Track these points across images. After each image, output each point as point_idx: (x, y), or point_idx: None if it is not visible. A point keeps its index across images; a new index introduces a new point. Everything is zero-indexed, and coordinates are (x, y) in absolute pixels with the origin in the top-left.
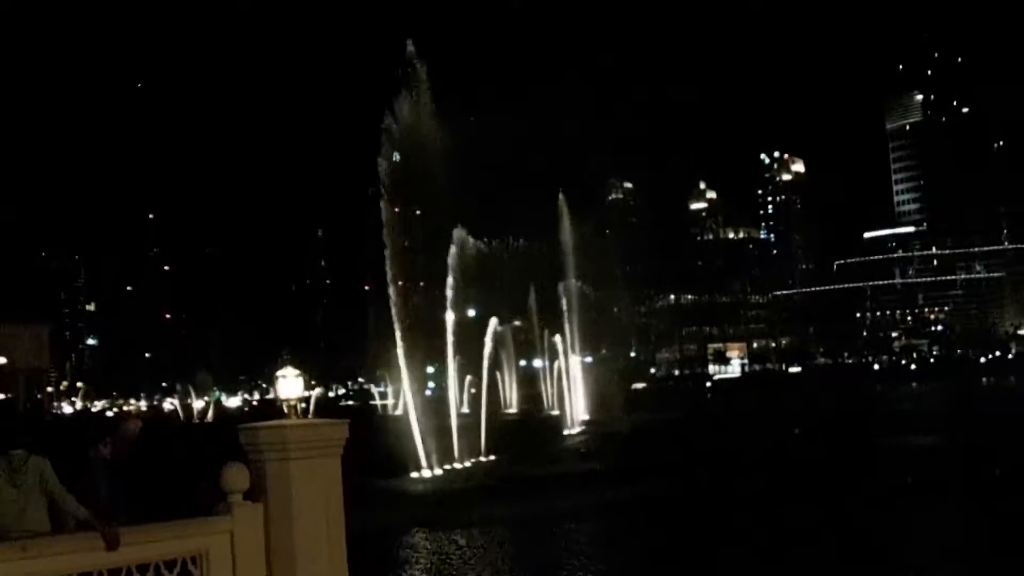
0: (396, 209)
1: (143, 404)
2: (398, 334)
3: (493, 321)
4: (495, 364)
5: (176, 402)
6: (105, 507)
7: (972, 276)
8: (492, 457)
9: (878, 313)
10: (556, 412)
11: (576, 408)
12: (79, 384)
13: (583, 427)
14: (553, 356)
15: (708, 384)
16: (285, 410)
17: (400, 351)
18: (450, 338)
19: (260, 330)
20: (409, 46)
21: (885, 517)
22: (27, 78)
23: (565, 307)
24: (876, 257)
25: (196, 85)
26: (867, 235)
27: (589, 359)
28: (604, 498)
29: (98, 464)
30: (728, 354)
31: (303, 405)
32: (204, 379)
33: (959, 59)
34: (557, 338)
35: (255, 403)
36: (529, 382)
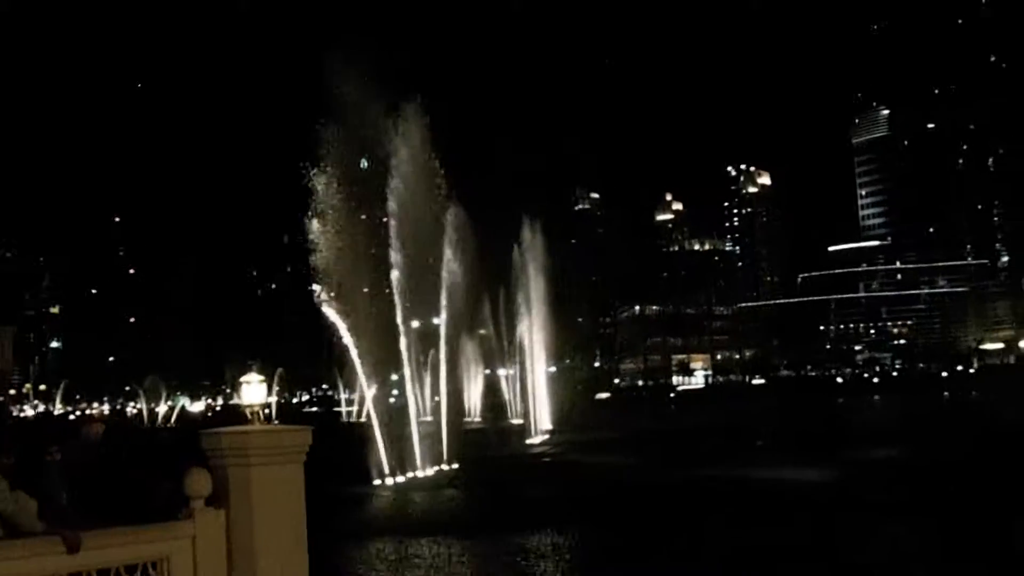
0: (363, 216)
1: (106, 407)
2: (349, 341)
3: (444, 326)
4: (459, 372)
5: (140, 406)
6: (64, 512)
7: (935, 291)
8: (454, 465)
9: (842, 326)
10: (520, 421)
11: (540, 417)
12: (42, 387)
13: (546, 436)
14: (516, 365)
15: (671, 395)
16: (248, 416)
17: (356, 359)
18: (404, 345)
19: (225, 335)
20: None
21: (846, 531)
22: None
23: (529, 316)
24: (840, 270)
25: (161, 88)
26: (832, 248)
27: (553, 369)
28: (565, 507)
29: (56, 469)
30: (692, 365)
31: (266, 411)
32: (154, 383)
33: (925, 75)
34: (521, 347)
35: (218, 408)
36: (493, 391)
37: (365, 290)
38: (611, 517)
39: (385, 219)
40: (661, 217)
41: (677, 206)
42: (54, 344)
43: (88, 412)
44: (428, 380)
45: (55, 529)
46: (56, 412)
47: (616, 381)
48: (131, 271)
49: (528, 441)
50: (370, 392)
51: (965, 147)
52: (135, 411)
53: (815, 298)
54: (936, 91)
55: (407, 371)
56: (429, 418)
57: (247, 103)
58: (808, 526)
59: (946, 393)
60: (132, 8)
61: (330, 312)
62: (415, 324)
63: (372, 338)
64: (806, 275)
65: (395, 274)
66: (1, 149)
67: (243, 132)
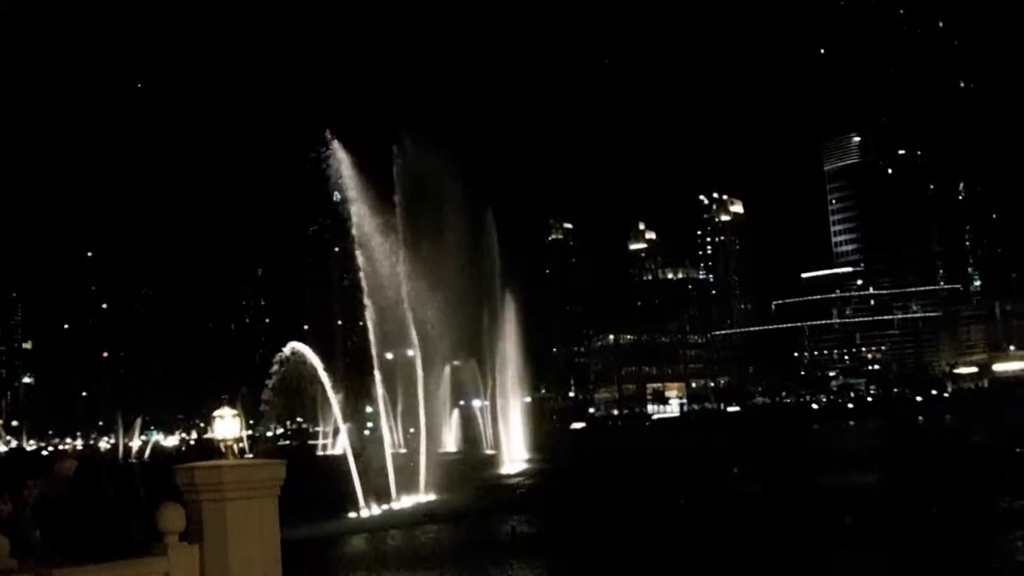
0: (336, 248)
1: (79, 443)
2: (324, 376)
3: (418, 358)
4: (433, 404)
5: (113, 441)
6: (37, 549)
7: (908, 316)
8: (430, 496)
9: (816, 352)
10: (494, 452)
11: (514, 448)
12: (14, 423)
13: (522, 466)
14: (491, 396)
15: (647, 423)
16: (222, 450)
17: (330, 392)
18: (378, 377)
19: (198, 369)
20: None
21: (824, 557)
22: None
23: (503, 347)
24: (814, 297)
25: (133, 123)
26: (805, 275)
27: (528, 399)
28: (540, 538)
29: (25, 508)
30: (667, 394)
31: (240, 445)
32: (127, 418)
33: (895, 101)
34: (495, 378)
35: (192, 442)
36: (468, 422)
37: (339, 322)
38: (588, 548)
39: (358, 251)
40: (634, 246)
41: (650, 235)
42: (26, 379)
43: (61, 448)
44: (402, 412)
45: (28, 565)
46: (29, 448)
47: (591, 410)
48: (103, 306)
49: (503, 471)
50: (345, 425)
51: (936, 172)
52: (108, 446)
53: (789, 325)
54: (906, 117)
55: (381, 404)
56: (403, 450)
57: (220, 138)
58: (790, 550)
59: (921, 417)
60: (99, 52)
61: (301, 346)
62: (388, 356)
63: (346, 371)
64: (779, 302)
65: (368, 310)
66: None
67: (215, 168)
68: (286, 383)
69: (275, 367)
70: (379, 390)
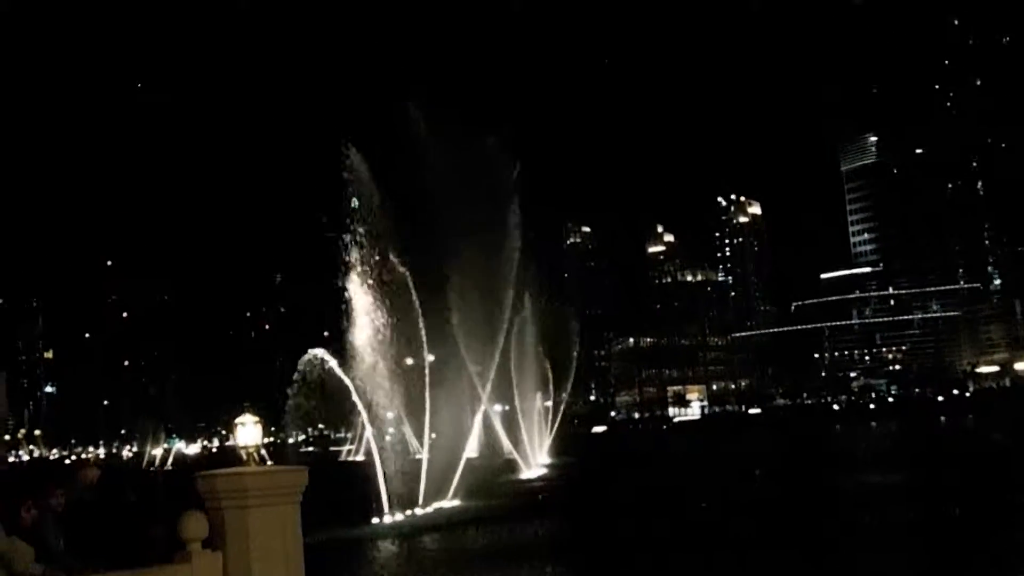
0: (352, 255)
1: (101, 451)
2: (350, 382)
3: (427, 363)
4: (453, 409)
5: (135, 449)
6: (60, 557)
7: (928, 315)
8: (452, 502)
9: (836, 353)
10: (516, 456)
11: (536, 452)
12: (36, 432)
13: (543, 470)
14: (511, 400)
15: (664, 427)
16: (244, 457)
17: (357, 397)
18: (398, 383)
19: (219, 377)
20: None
21: (847, 558)
22: None
23: (523, 351)
24: (833, 298)
25: (154, 133)
26: (824, 276)
27: (548, 403)
28: (561, 542)
29: (49, 516)
30: (688, 396)
31: (262, 452)
32: (149, 426)
33: (911, 101)
34: (516, 382)
35: (214, 450)
36: (489, 426)
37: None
38: (610, 552)
39: (377, 257)
40: (653, 249)
41: (668, 238)
42: (48, 389)
43: (83, 456)
44: (421, 418)
45: (51, 573)
46: (51, 457)
47: (612, 414)
48: (124, 315)
49: (524, 476)
50: (369, 430)
51: (954, 171)
52: (130, 454)
53: (809, 326)
54: (922, 116)
55: (402, 409)
56: (425, 455)
57: (239, 146)
58: (812, 552)
59: (942, 417)
60: (121, 62)
61: (320, 352)
62: (409, 361)
63: (368, 376)
64: (799, 303)
65: (386, 315)
66: None
67: (233, 177)
68: (309, 390)
69: (298, 373)
70: (399, 396)
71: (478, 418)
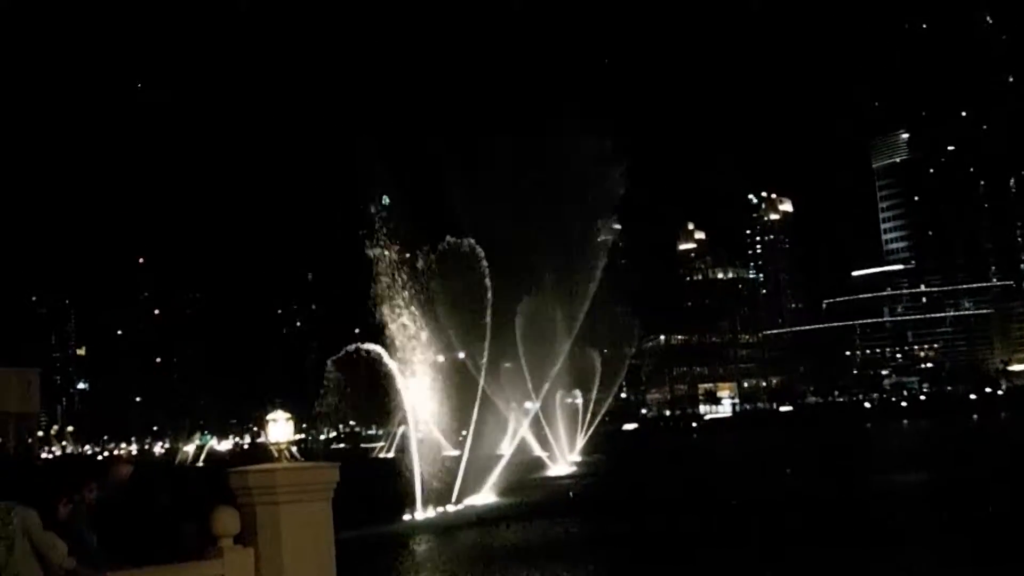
0: (385, 251)
1: (133, 448)
2: (399, 379)
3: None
4: (484, 406)
5: (167, 446)
6: (92, 553)
7: (960, 313)
8: (484, 499)
9: (867, 351)
10: (546, 453)
11: (566, 449)
12: (69, 428)
13: (572, 468)
14: (542, 398)
15: (694, 424)
16: (275, 453)
17: (404, 392)
18: (429, 380)
19: (251, 374)
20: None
21: (881, 556)
22: (15, 122)
23: (554, 349)
24: (865, 295)
25: (185, 128)
26: (856, 273)
27: (579, 400)
28: (592, 540)
29: (82, 511)
30: (719, 394)
31: (293, 448)
32: (181, 423)
33: (942, 97)
34: (546, 380)
35: (245, 447)
36: (520, 424)
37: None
38: (640, 549)
39: (408, 255)
40: (683, 246)
41: (699, 235)
42: (80, 386)
43: (116, 453)
44: (452, 415)
45: (83, 570)
46: (84, 453)
47: (643, 411)
48: (156, 312)
49: (555, 473)
50: (407, 427)
51: (985, 168)
52: (162, 451)
53: (840, 324)
54: (954, 112)
55: (434, 406)
56: (456, 452)
57: (272, 142)
58: (842, 550)
59: (975, 415)
60: (147, 57)
61: (369, 345)
62: (439, 359)
63: (402, 373)
64: (830, 301)
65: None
66: (26, 193)
67: (267, 171)
68: (342, 386)
69: (330, 369)
70: (436, 393)
71: (506, 415)
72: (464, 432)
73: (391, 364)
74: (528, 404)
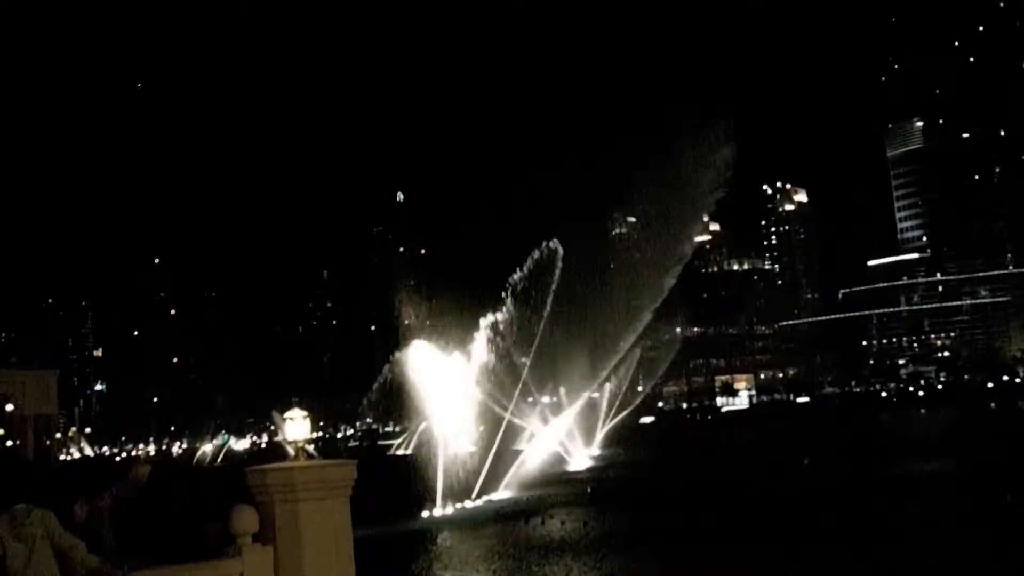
0: (400, 249)
1: (151, 448)
2: (413, 376)
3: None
4: (502, 401)
5: (184, 445)
6: (112, 553)
7: (977, 301)
8: (502, 494)
9: (884, 341)
10: (563, 448)
11: (584, 443)
12: (87, 429)
13: (590, 462)
14: (559, 392)
15: (708, 417)
16: (292, 452)
17: (421, 393)
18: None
19: (267, 373)
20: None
21: (900, 549)
22: (33, 125)
23: (569, 343)
24: (881, 285)
25: (201, 131)
26: (871, 263)
27: (596, 394)
28: (611, 533)
29: (102, 511)
30: (735, 386)
31: (310, 446)
32: (201, 423)
33: (956, 84)
34: (562, 374)
35: (263, 445)
36: (536, 419)
37: (406, 323)
38: (659, 542)
39: (423, 251)
40: (698, 238)
41: (714, 227)
42: (98, 387)
43: (134, 453)
44: (472, 410)
45: (105, 568)
46: (103, 454)
47: (660, 404)
48: (172, 312)
49: (572, 468)
50: (430, 424)
51: (1000, 155)
52: (180, 451)
53: (856, 313)
54: (969, 100)
55: (452, 402)
56: (474, 448)
57: (287, 145)
58: (863, 541)
59: (992, 404)
60: (169, 60)
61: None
62: (457, 355)
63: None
64: (846, 291)
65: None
66: (43, 196)
67: (279, 173)
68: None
69: (387, 368)
70: (451, 388)
71: (522, 410)
72: (481, 427)
73: (416, 362)
74: (544, 398)
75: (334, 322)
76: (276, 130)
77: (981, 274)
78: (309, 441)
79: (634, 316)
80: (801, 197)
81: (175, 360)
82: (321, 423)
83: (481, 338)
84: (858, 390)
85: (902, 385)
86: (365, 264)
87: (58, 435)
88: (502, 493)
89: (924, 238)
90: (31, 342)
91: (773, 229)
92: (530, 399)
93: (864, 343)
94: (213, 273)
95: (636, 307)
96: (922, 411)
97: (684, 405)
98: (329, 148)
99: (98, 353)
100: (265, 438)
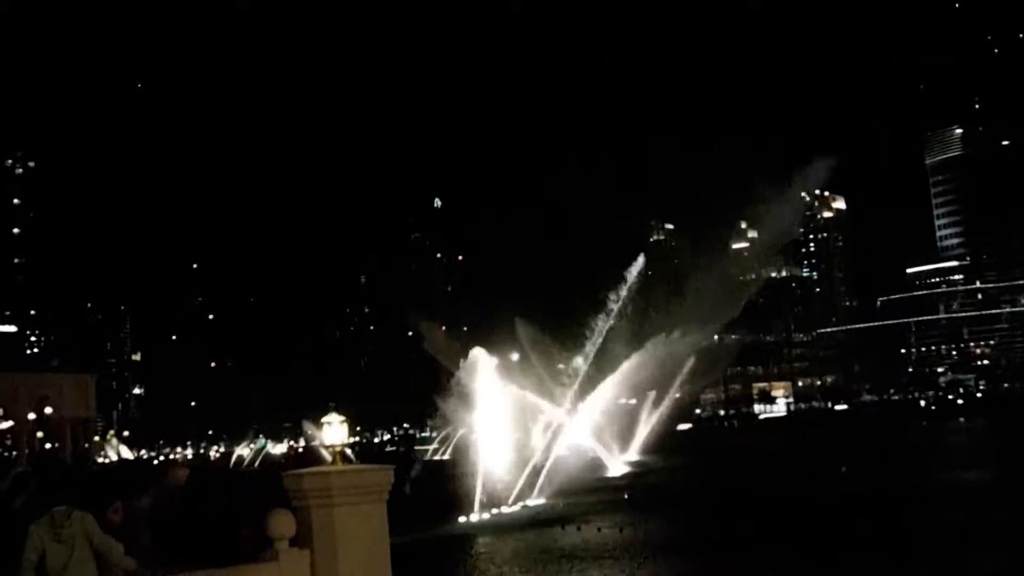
0: (438, 255)
1: (189, 452)
2: (468, 383)
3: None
4: (539, 407)
5: (222, 449)
6: (149, 556)
7: (1017, 309)
8: (539, 500)
9: (923, 349)
10: (601, 454)
11: (621, 450)
12: (125, 432)
13: (627, 468)
14: (596, 399)
15: (750, 424)
16: (329, 456)
17: (456, 396)
18: (485, 382)
19: (304, 377)
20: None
21: (934, 559)
22: (74, 132)
23: (608, 349)
24: (920, 292)
25: (240, 138)
26: (910, 270)
27: (634, 401)
28: (648, 539)
29: (140, 514)
30: (773, 393)
31: (347, 451)
32: (238, 427)
33: (995, 92)
34: (600, 381)
35: (300, 450)
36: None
37: (443, 328)
38: (697, 549)
39: (460, 257)
40: (736, 245)
41: (752, 234)
42: (136, 390)
43: (171, 457)
44: (510, 417)
45: (142, 570)
46: (139, 457)
47: (697, 411)
48: (210, 316)
49: (610, 474)
50: (470, 430)
51: None
52: (217, 455)
53: (894, 321)
54: (1007, 107)
55: (488, 408)
56: (512, 454)
57: (325, 151)
58: (898, 550)
59: None
60: (210, 66)
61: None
62: (494, 360)
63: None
64: (884, 298)
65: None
66: (82, 201)
67: (317, 178)
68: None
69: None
70: (486, 394)
71: (560, 417)
72: (517, 434)
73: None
74: (582, 405)
75: (371, 327)
76: (315, 137)
77: (1021, 282)
78: (348, 445)
79: (689, 325)
80: (839, 204)
81: (212, 364)
82: (358, 428)
83: (526, 345)
84: (896, 398)
85: (941, 393)
86: (402, 270)
87: (96, 438)
88: (539, 499)
89: (963, 246)
90: (70, 346)
91: (811, 236)
92: (568, 406)
93: (902, 351)
94: (250, 278)
95: (680, 313)
96: (961, 419)
97: (721, 412)
98: (367, 154)
99: (136, 357)
100: (302, 442)
